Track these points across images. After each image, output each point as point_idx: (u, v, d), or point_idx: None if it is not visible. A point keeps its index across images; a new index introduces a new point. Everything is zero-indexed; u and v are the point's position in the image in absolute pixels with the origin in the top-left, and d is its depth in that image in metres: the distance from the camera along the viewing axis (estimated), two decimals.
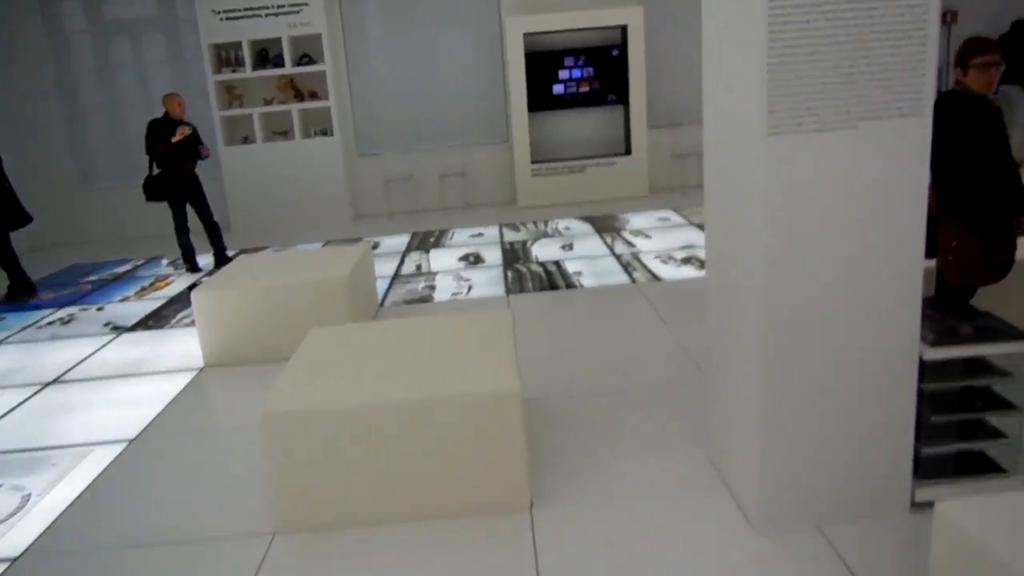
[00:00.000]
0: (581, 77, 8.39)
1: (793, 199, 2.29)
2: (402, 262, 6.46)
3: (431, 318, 3.34)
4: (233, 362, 4.28)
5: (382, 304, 5.26)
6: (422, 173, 8.72)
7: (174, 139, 6.31)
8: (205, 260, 6.90)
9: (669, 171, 8.79)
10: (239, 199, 8.31)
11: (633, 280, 5.29)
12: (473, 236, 7.25)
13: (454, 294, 5.35)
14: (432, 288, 5.57)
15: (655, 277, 5.33)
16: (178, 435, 3.55)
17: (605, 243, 6.48)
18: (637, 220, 7.30)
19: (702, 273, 5.31)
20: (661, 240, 6.41)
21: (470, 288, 5.47)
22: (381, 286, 5.71)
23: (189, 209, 6.58)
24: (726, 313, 2.69)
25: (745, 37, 2.27)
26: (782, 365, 2.38)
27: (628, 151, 8.50)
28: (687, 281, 5.18)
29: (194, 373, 4.26)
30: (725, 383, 2.74)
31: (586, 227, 7.21)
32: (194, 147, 6.42)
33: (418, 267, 6.23)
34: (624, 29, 8.20)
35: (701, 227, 6.76)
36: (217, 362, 4.31)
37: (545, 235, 7.01)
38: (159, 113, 6.44)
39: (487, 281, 5.61)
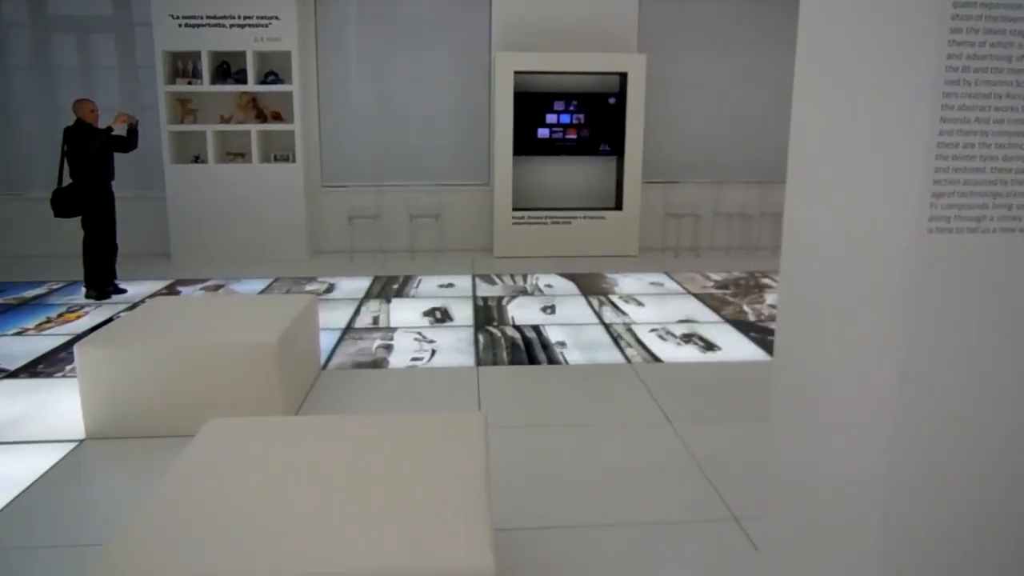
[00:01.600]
0: (572, 123, 7.70)
1: (944, 305, 1.52)
2: (358, 311, 5.58)
3: (374, 418, 2.47)
4: (124, 434, 3.35)
5: (325, 365, 4.37)
6: (391, 211, 7.90)
7: (115, 125, 5.59)
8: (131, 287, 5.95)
9: (662, 231, 8.08)
10: (182, 223, 7.39)
11: (627, 359, 4.48)
12: (442, 286, 6.41)
13: (414, 359, 4.48)
14: (389, 348, 4.69)
15: (652, 356, 4.52)
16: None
17: (592, 308, 5.68)
18: (627, 283, 6.53)
19: (707, 357, 4.52)
20: (656, 310, 5.63)
21: (433, 353, 4.60)
22: (330, 340, 4.83)
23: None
24: (813, 431, 1.89)
25: (900, 106, 1.53)
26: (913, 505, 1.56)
27: (619, 206, 7.78)
28: (691, 366, 4.37)
29: (72, 447, 3.32)
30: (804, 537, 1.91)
31: (570, 286, 6.41)
32: (121, 147, 5.85)
33: (375, 320, 5.36)
34: (624, 76, 7.56)
35: (699, 297, 6.00)
36: (102, 434, 3.36)
37: (524, 292, 6.19)
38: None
39: (454, 345, 4.75)
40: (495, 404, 3.75)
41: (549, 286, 6.42)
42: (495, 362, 4.43)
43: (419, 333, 5.03)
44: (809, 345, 1.97)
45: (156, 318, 3.68)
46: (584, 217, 7.74)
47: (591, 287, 6.38)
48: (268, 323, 3.54)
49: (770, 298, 6.00)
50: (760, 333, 5.02)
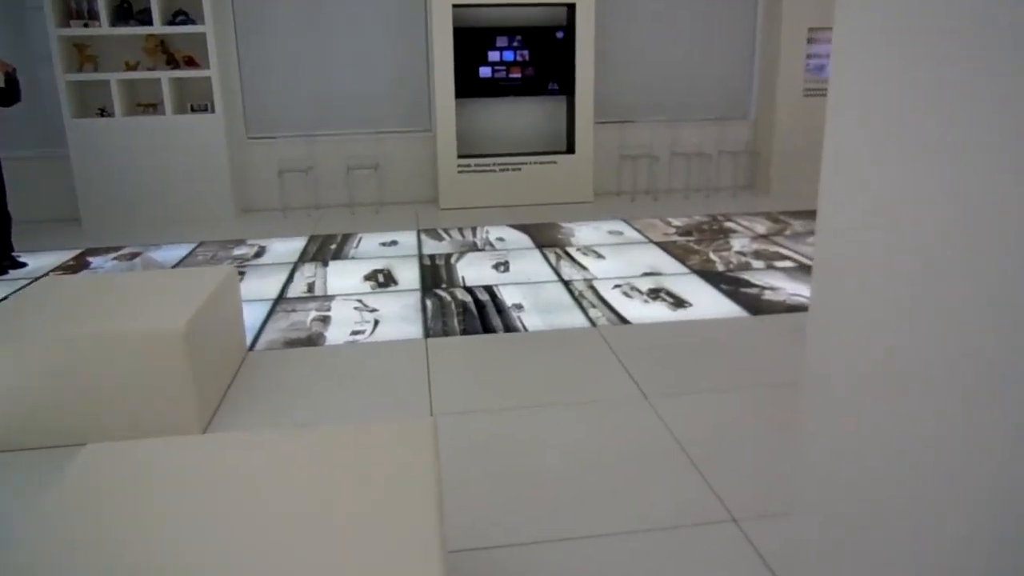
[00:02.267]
0: (517, 61, 7.11)
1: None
2: (291, 278, 5.03)
3: (299, 433, 1.98)
4: (4, 446, 2.81)
5: (253, 346, 3.85)
6: (325, 163, 7.26)
7: None
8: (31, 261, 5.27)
9: (617, 174, 7.63)
10: (91, 184, 6.64)
11: (591, 321, 4.06)
12: (385, 244, 5.88)
13: (354, 333, 3.99)
14: (326, 321, 4.18)
15: (619, 317, 4.12)
16: None
17: (549, 263, 5.24)
18: (584, 233, 6.09)
19: (678, 315, 4.13)
20: (617, 262, 5.22)
21: (376, 324, 4.11)
22: (258, 313, 4.29)
23: None
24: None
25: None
26: None
27: (571, 149, 7.28)
28: (662, 327, 3.98)
29: None
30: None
31: (523, 239, 5.95)
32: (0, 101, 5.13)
33: (310, 287, 4.82)
34: (571, 8, 6.97)
35: (662, 246, 5.60)
36: None
37: (474, 247, 5.71)
38: None
39: (399, 313, 4.27)
40: (447, 385, 3.30)
41: (501, 239, 5.95)
42: (446, 332, 3.96)
43: (360, 301, 4.52)
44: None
45: (41, 304, 3.10)
46: (534, 163, 7.23)
47: (546, 239, 5.92)
48: (175, 306, 2.99)
49: (736, 244, 5.64)
50: (731, 284, 4.65)
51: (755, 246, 5.58)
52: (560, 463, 2.64)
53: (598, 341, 3.76)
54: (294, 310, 4.39)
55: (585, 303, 4.36)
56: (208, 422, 2.98)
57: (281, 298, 4.62)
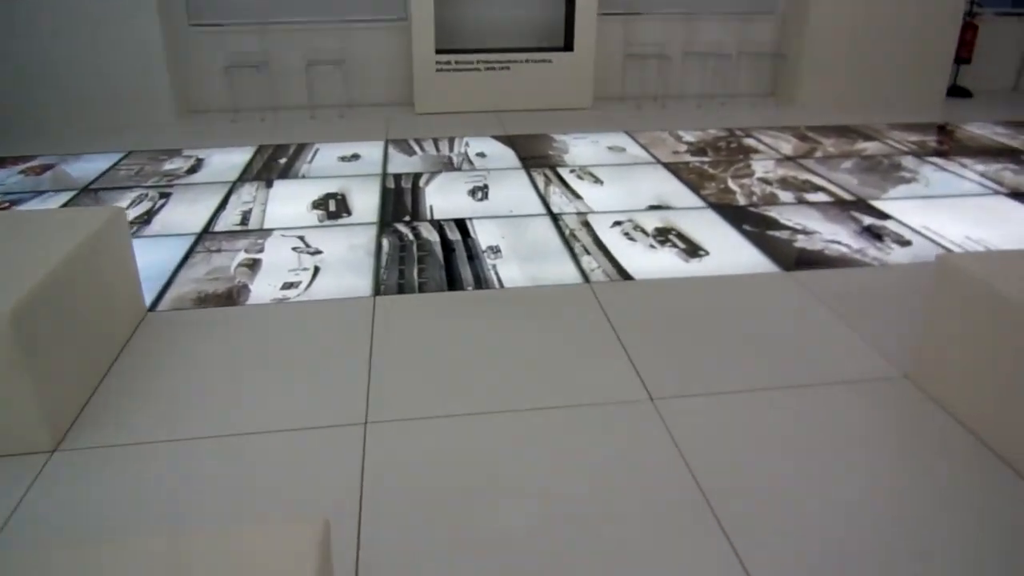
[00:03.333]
0: None
1: None
2: (224, 203, 4.18)
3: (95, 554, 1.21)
4: None
5: (154, 305, 3.04)
6: (282, 58, 6.22)
7: None
8: None
9: (622, 76, 6.62)
10: None
11: (584, 275, 3.26)
12: (344, 159, 4.98)
13: (286, 287, 3.18)
14: (254, 267, 3.37)
15: (618, 269, 3.31)
16: None
17: (536, 189, 4.37)
18: (580, 149, 5.19)
19: (692, 267, 3.32)
20: (618, 189, 4.36)
21: (316, 273, 3.30)
22: (174, 253, 3.48)
23: None
24: None
25: None
26: None
27: (569, 46, 6.24)
28: (671, 285, 3.18)
29: None
30: None
31: (508, 154, 5.05)
32: None
33: (245, 217, 3.98)
34: None
35: (671, 168, 4.72)
36: None
37: (449, 165, 4.82)
38: None
39: (347, 258, 3.45)
40: (392, 373, 2.54)
41: (482, 155, 5.05)
42: (401, 287, 3.16)
43: (301, 239, 3.69)
44: None
45: None
46: (526, 61, 6.21)
47: (535, 155, 5.03)
48: (10, 275, 2.17)
49: (759, 168, 4.76)
50: (755, 225, 3.82)
51: (781, 171, 4.70)
52: (529, 523, 1.90)
53: (591, 305, 2.97)
54: (219, 250, 3.57)
55: (577, 248, 3.54)
56: (66, 431, 2.23)
57: (207, 232, 3.78)
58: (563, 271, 3.29)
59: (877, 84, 6.48)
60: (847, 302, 2.97)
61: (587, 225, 3.82)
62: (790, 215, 3.95)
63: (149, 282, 3.18)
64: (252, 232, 3.77)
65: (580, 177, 4.58)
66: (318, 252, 3.52)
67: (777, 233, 3.71)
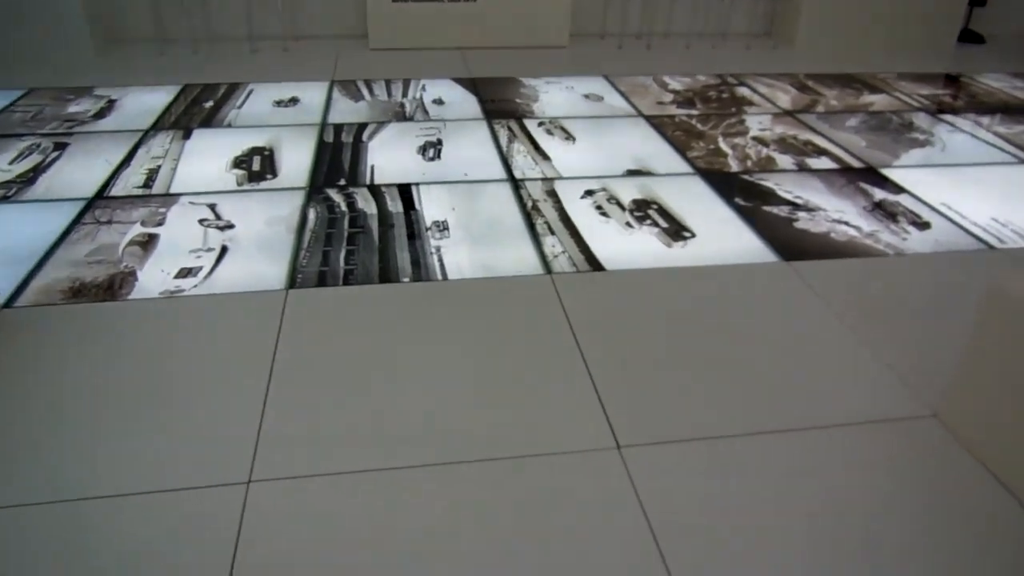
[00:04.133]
0: None
1: None
2: (130, 157, 3.54)
3: None
4: None
5: (13, 299, 2.46)
6: None
7: None
8: None
9: (602, 8, 5.92)
10: None
11: (546, 263, 2.71)
12: (280, 104, 4.32)
13: (182, 275, 2.61)
14: (149, 245, 2.79)
15: (587, 256, 2.77)
16: None
17: (497, 146, 3.77)
18: (552, 96, 4.56)
19: (674, 253, 2.79)
20: (593, 148, 3.77)
21: (222, 255, 2.73)
22: (52, 227, 2.88)
23: None
24: None
25: None
26: None
27: None
28: (648, 276, 2.65)
29: None
30: None
31: (468, 101, 4.42)
32: None
33: (149, 178, 3.36)
34: None
35: (654, 123, 4.13)
36: None
37: (400, 114, 4.19)
38: None
39: (262, 235, 2.87)
40: (294, 412, 2.01)
41: (439, 102, 4.41)
42: (322, 277, 2.60)
43: (211, 208, 3.09)
44: None
45: None
46: None
47: (499, 102, 4.40)
48: None
49: (754, 124, 4.18)
50: (749, 197, 3.28)
51: (779, 129, 4.13)
52: None
53: (552, 306, 2.44)
54: (110, 221, 2.97)
55: (540, 225, 2.98)
56: None
57: (100, 198, 3.16)
58: (521, 257, 2.74)
59: (882, 26, 5.85)
60: (859, 308, 2.47)
61: (553, 195, 3.25)
62: (789, 186, 3.41)
63: (14, 266, 2.60)
64: (155, 198, 3.16)
65: (550, 132, 3.98)
66: (229, 227, 2.93)
67: (774, 209, 3.17)
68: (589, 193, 3.27)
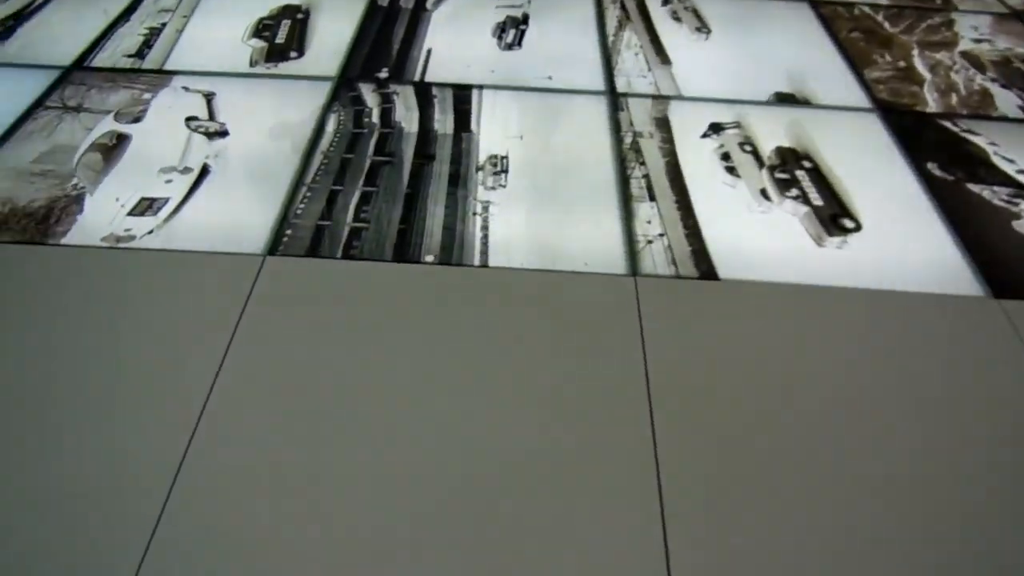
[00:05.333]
0: None
1: None
2: (136, 5, 2.80)
3: None
4: None
5: None
6: None
7: None
8: None
9: None
10: None
11: (633, 257, 1.88)
12: None
13: (140, 207, 1.94)
14: (110, 154, 2.12)
15: (695, 247, 1.91)
16: None
17: (601, 35, 2.79)
18: None
19: (827, 255, 1.91)
20: (731, 48, 2.74)
21: (198, 180, 2.03)
22: (12, 104, 2.24)
23: None
24: None
25: None
26: None
27: None
28: (785, 295, 1.79)
29: None
30: None
31: None
32: None
33: (147, 41, 2.62)
34: None
35: (825, 16, 3.01)
36: None
37: None
38: None
39: (259, 154, 2.14)
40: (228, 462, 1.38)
41: None
42: (317, 237, 1.88)
43: (207, 99, 2.35)
44: None
45: None
46: None
47: None
48: None
49: (968, 28, 2.99)
50: (950, 161, 2.26)
51: (1002, 42, 2.93)
52: None
53: (627, 338, 1.65)
54: (79, 108, 2.29)
55: (636, 179, 2.12)
56: None
57: (79, 67, 2.47)
58: (598, 236, 1.92)
59: None
60: None
61: (664, 125, 2.33)
62: (1010, 145, 2.35)
63: None
64: (143, 76, 2.44)
65: (677, 17, 2.94)
66: (221, 133, 2.21)
67: (985, 191, 2.17)
68: (716, 129, 2.34)
